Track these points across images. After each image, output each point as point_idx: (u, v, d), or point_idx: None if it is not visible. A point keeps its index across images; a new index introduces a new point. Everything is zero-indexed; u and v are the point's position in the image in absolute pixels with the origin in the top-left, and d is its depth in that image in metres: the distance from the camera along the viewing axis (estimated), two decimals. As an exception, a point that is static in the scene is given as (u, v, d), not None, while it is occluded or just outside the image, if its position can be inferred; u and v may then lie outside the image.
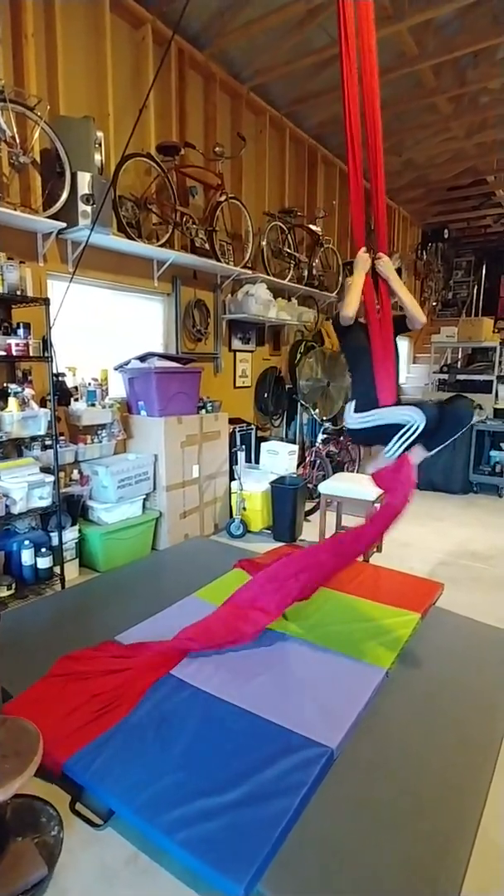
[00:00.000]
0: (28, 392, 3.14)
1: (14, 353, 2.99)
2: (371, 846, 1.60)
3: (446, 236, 9.60)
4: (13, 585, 3.12)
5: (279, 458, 4.80)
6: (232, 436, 4.68)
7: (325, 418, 5.66)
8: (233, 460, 4.58)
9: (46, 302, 3.12)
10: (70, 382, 3.65)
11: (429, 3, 4.08)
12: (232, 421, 4.83)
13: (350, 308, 2.51)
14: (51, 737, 1.80)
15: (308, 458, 5.35)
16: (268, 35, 4.40)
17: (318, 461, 5.32)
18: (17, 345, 2.98)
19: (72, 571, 3.56)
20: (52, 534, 3.36)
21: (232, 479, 4.58)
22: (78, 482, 3.64)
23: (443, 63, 4.87)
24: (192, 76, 4.50)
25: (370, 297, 2.53)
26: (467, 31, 4.53)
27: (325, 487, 3.97)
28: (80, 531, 3.61)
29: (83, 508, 3.73)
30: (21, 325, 3.09)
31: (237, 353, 5.31)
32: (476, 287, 10.08)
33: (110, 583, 3.39)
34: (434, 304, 10.53)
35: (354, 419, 2.62)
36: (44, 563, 3.25)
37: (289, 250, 5.51)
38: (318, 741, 1.93)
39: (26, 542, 3.19)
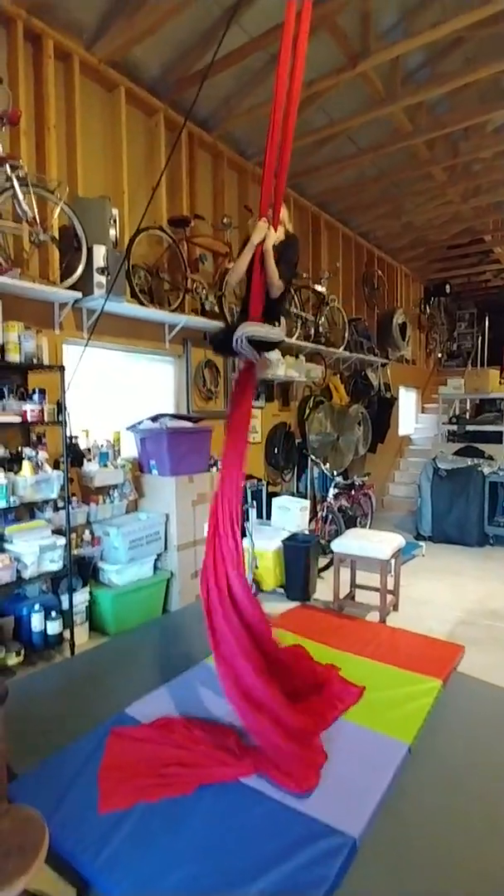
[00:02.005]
0: (42, 455, 3.19)
1: (29, 419, 3.06)
2: None
3: (448, 291, 9.87)
4: (22, 652, 3.05)
5: (291, 514, 4.76)
6: (243, 492, 4.67)
7: (335, 472, 5.65)
8: (244, 517, 4.55)
9: (61, 369, 3.22)
10: (83, 444, 3.71)
11: (419, 87, 4.38)
12: (242, 477, 4.82)
13: (235, 275, 2.69)
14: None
15: (320, 513, 5.31)
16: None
17: (330, 516, 5.26)
18: (33, 411, 3.06)
19: (82, 635, 3.48)
20: (62, 597, 3.32)
21: (243, 536, 4.52)
22: (89, 543, 3.63)
23: (436, 138, 5.17)
24: (201, 155, 4.81)
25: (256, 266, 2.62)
26: (456, 110, 4.83)
27: (338, 545, 3.91)
28: (90, 593, 3.56)
29: (94, 570, 3.70)
30: (37, 390, 3.18)
31: (247, 409, 5.38)
32: (480, 338, 10.27)
33: (120, 648, 3.31)
34: (439, 355, 10.71)
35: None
36: (53, 627, 3.19)
37: (295, 310, 5.68)
38: (340, 829, 1.81)
39: (36, 607, 3.14)
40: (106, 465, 3.69)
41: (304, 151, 5.35)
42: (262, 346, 2.69)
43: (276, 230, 2.65)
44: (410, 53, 4.17)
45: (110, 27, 3.57)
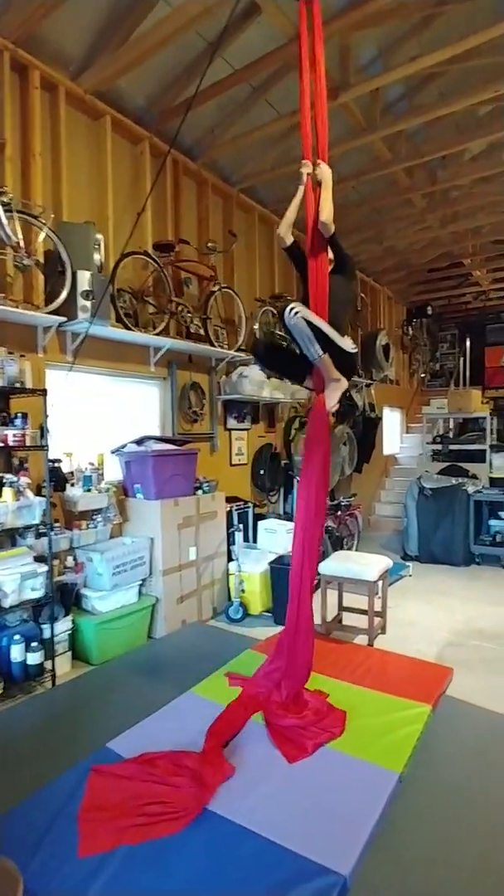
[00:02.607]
0: (24, 481, 3.13)
1: (11, 444, 3.01)
2: None
3: (429, 313, 10.06)
4: (1, 684, 2.96)
5: (277, 536, 4.73)
6: (229, 515, 4.64)
7: (321, 493, 5.64)
8: (230, 540, 4.51)
9: (44, 392, 3.19)
10: (66, 468, 3.66)
11: (398, 118, 4.53)
12: (229, 499, 4.80)
13: (282, 224, 2.58)
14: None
15: (306, 535, 5.27)
16: (253, 147, 4.83)
17: (316, 537, 5.24)
18: (15, 435, 3.02)
19: (64, 665, 3.39)
20: (43, 626, 3.23)
21: (230, 559, 4.49)
22: (72, 569, 3.55)
23: (414, 165, 5.32)
24: (186, 182, 4.88)
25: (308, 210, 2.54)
26: (434, 139, 4.99)
27: (325, 568, 3.88)
28: (73, 622, 3.48)
29: (77, 597, 3.62)
30: (19, 414, 3.14)
31: (233, 431, 5.38)
32: (462, 359, 10.45)
33: (103, 679, 3.22)
34: (423, 375, 10.87)
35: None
36: (34, 658, 3.10)
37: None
38: (330, 867, 1.75)
39: (16, 637, 3.05)
40: (90, 490, 3.64)
41: (287, 178, 5.43)
42: (323, 340, 2.36)
43: (324, 159, 2.55)
44: (389, 86, 4.31)
45: (96, 59, 3.64)
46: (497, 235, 7.27)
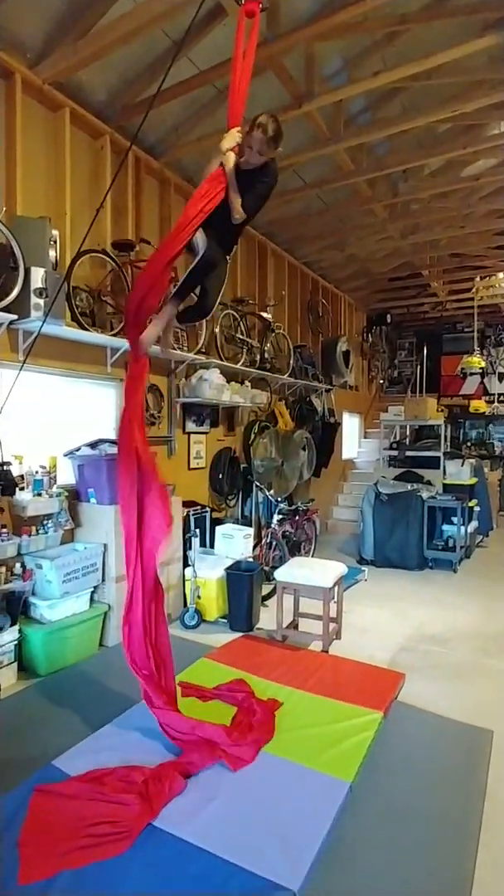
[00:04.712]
0: (-31, 485, 2.99)
1: (-45, 446, 2.87)
2: None
3: (389, 321, 10.30)
4: None
5: (234, 541, 4.70)
6: (186, 520, 4.58)
7: (279, 498, 5.66)
8: (187, 546, 4.45)
9: (-7, 393, 3.06)
10: (16, 471, 3.52)
11: (360, 130, 4.59)
12: (186, 504, 4.74)
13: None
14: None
15: (264, 539, 5.28)
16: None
17: (274, 542, 5.25)
18: (-40, 437, 2.87)
19: (9, 677, 3.25)
20: (-13, 637, 3.09)
21: (186, 565, 4.43)
22: (20, 577, 3.41)
23: (376, 177, 5.41)
24: (149, 180, 4.79)
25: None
26: (396, 153, 5.09)
27: (281, 574, 3.88)
28: (20, 631, 3.34)
29: (24, 605, 3.48)
30: (-35, 415, 3.00)
31: (191, 435, 5.32)
32: (419, 366, 10.73)
33: (51, 690, 3.11)
34: (381, 382, 11.09)
35: None
36: (-23, 671, 2.97)
37: (241, 336, 5.72)
38: (279, 882, 1.74)
39: (-42, 649, 2.91)
40: (40, 494, 3.51)
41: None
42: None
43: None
44: (353, 98, 4.36)
45: (55, 49, 3.52)
46: (453, 249, 7.51)
